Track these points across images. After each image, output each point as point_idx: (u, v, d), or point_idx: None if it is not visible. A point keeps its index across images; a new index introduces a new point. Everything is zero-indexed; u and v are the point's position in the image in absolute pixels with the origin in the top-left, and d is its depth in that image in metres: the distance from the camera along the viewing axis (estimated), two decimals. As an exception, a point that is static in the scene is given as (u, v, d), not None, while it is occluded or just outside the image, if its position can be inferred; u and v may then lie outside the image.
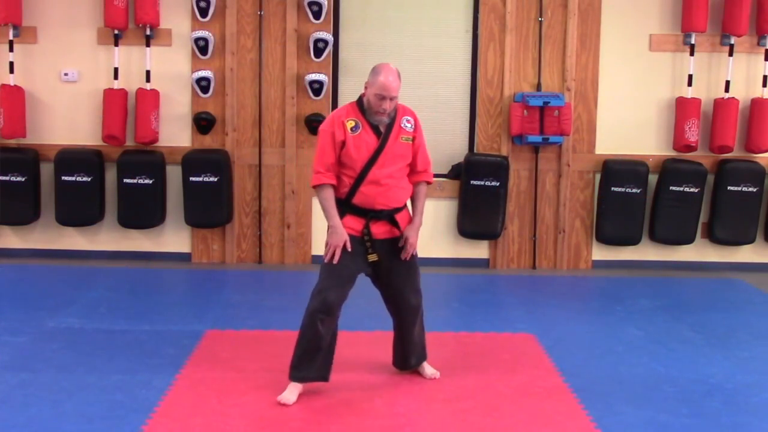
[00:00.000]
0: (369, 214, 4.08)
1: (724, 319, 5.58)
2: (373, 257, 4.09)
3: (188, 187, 6.77)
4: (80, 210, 6.80)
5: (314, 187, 4.10)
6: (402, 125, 4.11)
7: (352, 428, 3.76)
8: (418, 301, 4.27)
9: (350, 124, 4.06)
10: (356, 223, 4.08)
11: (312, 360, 4.00)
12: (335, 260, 4.00)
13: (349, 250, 4.02)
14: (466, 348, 4.85)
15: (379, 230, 4.11)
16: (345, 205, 4.08)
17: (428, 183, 4.28)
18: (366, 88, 4.08)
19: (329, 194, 4.06)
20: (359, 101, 4.12)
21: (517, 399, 4.11)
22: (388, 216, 4.11)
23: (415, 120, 4.19)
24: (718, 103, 6.84)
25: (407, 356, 4.36)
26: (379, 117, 4.04)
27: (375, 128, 4.07)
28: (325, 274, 4.05)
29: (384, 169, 4.05)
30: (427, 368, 4.39)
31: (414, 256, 4.21)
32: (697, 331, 5.30)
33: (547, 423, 3.86)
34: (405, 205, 4.21)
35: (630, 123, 6.99)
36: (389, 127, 4.08)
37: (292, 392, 4.00)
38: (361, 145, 4.04)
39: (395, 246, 4.13)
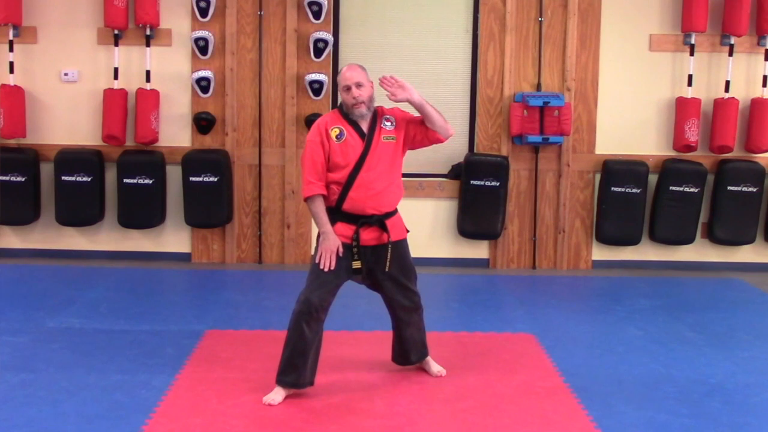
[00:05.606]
0: (360, 220, 4.08)
1: (724, 319, 5.57)
2: (357, 264, 4.09)
3: (188, 187, 6.77)
4: (80, 210, 6.80)
5: (307, 197, 4.09)
6: (382, 125, 4.13)
7: (352, 428, 3.76)
8: (414, 301, 4.28)
9: (335, 132, 4.08)
10: (347, 230, 4.08)
11: (298, 365, 4.00)
12: (332, 266, 4.00)
13: (341, 255, 4.03)
14: (466, 348, 4.85)
15: (369, 236, 4.10)
16: (336, 213, 4.09)
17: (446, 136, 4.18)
18: (340, 93, 4.15)
19: (320, 201, 4.07)
20: (341, 107, 4.16)
21: (517, 399, 4.11)
22: (378, 221, 4.11)
23: (395, 116, 4.17)
24: (718, 103, 6.84)
25: (407, 353, 4.38)
26: (357, 110, 4.06)
27: (359, 132, 4.09)
28: (311, 278, 4.06)
29: (371, 171, 4.06)
30: (433, 365, 4.40)
31: (408, 258, 4.23)
32: (697, 331, 5.29)
33: (547, 423, 3.86)
34: (396, 210, 4.20)
35: (630, 123, 6.99)
36: (371, 129, 4.11)
37: (278, 393, 4.01)
38: (348, 151, 4.06)
39: (383, 252, 4.12)
